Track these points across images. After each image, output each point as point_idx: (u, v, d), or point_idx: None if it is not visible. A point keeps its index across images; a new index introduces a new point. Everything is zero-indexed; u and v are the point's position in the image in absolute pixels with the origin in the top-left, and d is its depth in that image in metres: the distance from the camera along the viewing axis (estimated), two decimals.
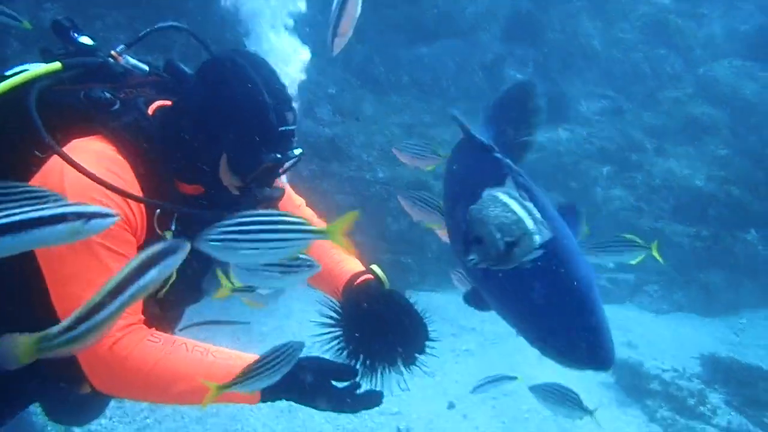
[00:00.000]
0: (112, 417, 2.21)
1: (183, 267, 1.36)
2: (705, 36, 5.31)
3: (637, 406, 2.75)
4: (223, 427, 2.22)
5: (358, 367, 1.23)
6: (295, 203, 1.61)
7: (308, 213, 1.63)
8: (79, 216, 0.74)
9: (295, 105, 1.30)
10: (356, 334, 1.25)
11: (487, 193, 0.92)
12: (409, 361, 1.29)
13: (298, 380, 1.16)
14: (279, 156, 1.23)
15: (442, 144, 4.82)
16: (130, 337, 1.12)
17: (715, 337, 3.56)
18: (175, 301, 1.47)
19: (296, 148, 1.27)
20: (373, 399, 1.19)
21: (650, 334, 3.43)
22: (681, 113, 4.67)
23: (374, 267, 1.44)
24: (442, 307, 3.69)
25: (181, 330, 1.60)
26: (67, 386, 1.28)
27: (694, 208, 4.15)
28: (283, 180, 1.51)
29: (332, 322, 1.26)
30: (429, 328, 1.32)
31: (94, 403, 1.77)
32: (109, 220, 0.77)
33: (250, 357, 1.16)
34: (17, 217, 0.70)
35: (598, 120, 4.69)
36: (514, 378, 2.12)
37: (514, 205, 0.90)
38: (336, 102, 4.11)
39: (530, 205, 0.91)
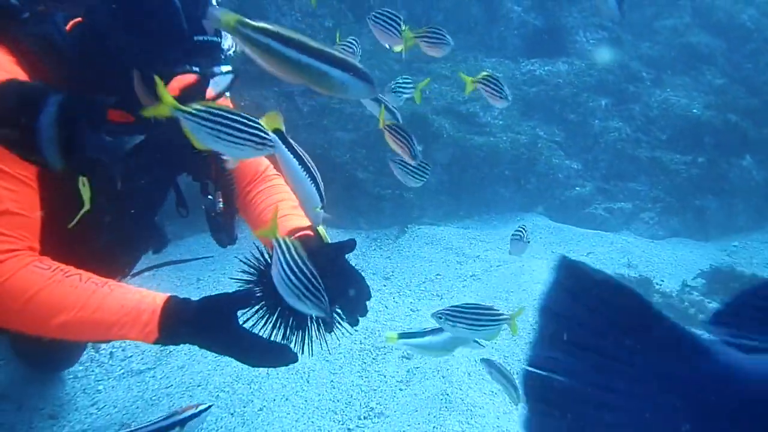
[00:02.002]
0: None
1: (128, 182, 1.27)
2: None
3: None
4: None
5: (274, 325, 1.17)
6: None
7: (265, 163, 1.53)
8: None
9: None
10: (273, 292, 1.15)
11: None
12: (327, 323, 1.21)
13: (195, 321, 1.05)
14: (194, 68, 1.09)
15: (442, 78, 4.69)
16: (12, 262, 1.03)
17: (708, 258, 3.68)
18: (117, 244, 1.36)
19: (223, 64, 1.14)
20: (284, 355, 1.09)
21: (648, 255, 3.54)
22: (678, 42, 4.66)
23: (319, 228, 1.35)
24: (446, 238, 3.76)
25: (134, 275, 1.54)
26: None
27: (691, 136, 4.20)
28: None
29: (252, 279, 1.20)
30: (367, 286, 1.23)
31: (59, 350, 1.71)
32: None
33: (154, 293, 1.09)
34: None
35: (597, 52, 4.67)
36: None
37: None
38: (333, 36, 4.04)
39: None
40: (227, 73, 1.14)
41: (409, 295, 3.01)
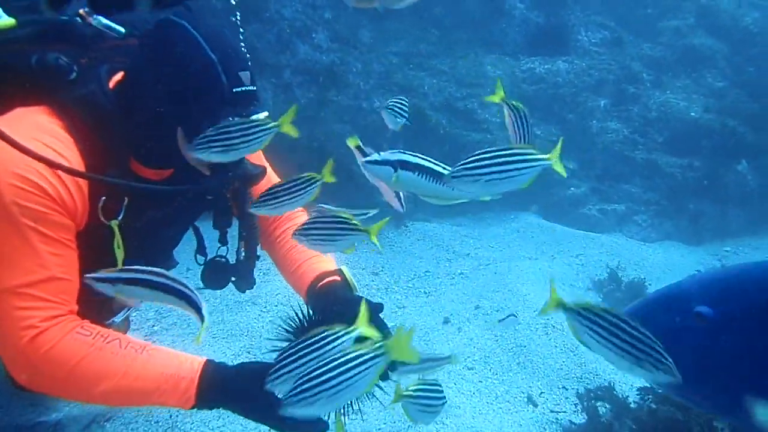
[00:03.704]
0: None
1: (155, 232, 1.32)
2: None
3: None
4: (228, 332, 2.31)
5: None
6: None
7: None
8: None
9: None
10: None
11: None
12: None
13: (231, 389, 1.09)
14: (235, 119, 1.07)
15: (440, 74, 4.65)
16: (55, 330, 1.05)
17: (700, 263, 3.68)
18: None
19: (260, 111, 1.16)
20: (317, 425, 1.09)
21: (638, 258, 3.55)
22: (680, 44, 4.63)
23: (343, 269, 1.38)
24: (438, 235, 3.77)
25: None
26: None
27: (689, 139, 4.18)
28: (262, 159, 1.45)
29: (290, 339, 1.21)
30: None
31: None
32: None
33: (191, 358, 1.11)
34: None
35: (598, 51, 4.63)
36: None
37: None
38: (333, 28, 4.03)
39: None
40: (265, 119, 1.17)
41: (397, 292, 3.02)
